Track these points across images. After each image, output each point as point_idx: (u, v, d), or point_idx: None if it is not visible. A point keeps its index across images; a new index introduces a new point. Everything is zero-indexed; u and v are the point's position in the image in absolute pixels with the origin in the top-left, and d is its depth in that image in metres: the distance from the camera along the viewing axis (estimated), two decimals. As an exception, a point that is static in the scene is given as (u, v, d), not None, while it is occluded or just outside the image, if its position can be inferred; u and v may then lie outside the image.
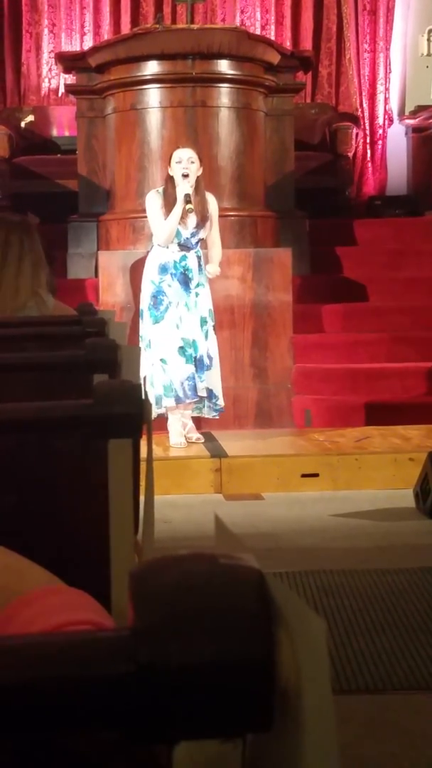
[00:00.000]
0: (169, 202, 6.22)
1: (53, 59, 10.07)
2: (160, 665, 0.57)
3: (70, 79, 8.37)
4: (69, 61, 7.88)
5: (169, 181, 6.26)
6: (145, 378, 2.01)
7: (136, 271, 6.73)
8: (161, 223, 6.26)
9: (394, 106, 10.56)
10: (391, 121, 10.53)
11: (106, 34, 10.22)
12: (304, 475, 5.85)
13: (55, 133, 10.13)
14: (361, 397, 6.87)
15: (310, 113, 10.10)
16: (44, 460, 1.69)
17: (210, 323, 6.35)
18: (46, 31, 10.48)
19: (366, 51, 10.49)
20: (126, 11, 10.42)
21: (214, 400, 6.35)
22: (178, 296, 6.25)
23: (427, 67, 10.33)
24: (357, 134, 10.09)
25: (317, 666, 0.56)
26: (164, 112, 7.22)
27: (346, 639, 3.61)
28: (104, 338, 2.40)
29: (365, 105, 10.47)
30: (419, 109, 10.19)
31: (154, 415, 5.90)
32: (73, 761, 0.68)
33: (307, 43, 10.39)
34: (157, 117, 7.23)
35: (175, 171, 6.19)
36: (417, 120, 10.20)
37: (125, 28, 10.04)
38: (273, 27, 10.49)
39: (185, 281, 6.28)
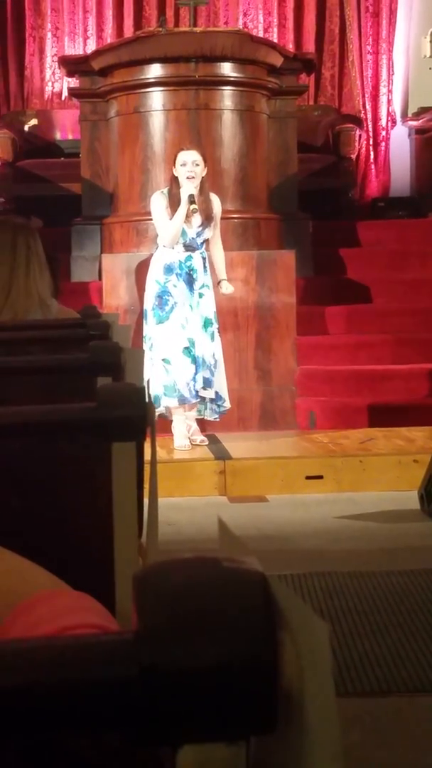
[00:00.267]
0: (174, 203, 6.23)
1: (56, 63, 10.08)
2: (164, 668, 0.57)
3: (73, 82, 8.38)
4: (72, 65, 7.89)
5: (174, 181, 6.27)
6: (148, 381, 2.01)
7: (139, 273, 6.73)
8: (166, 224, 6.26)
9: (397, 107, 10.56)
10: (394, 122, 10.53)
11: (109, 37, 10.23)
12: (308, 477, 5.85)
13: (58, 136, 10.14)
14: (365, 399, 6.87)
15: (313, 115, 10.10)
16: (48, 463, 1.69)
17: (215, 325, 6.35)
18: (49, 34, 10.49)
19: (369, 53, 10.49)
20: (129, 14, 10.43)
21: (219, 402, 6.35)
22: (183, 297, 6.26)
23: (430, 68, 10.32)
24: (360, 136, 10.08)
25: (320, 668, 0.56)
26: (167, 115, 7.22)
27: (350, 641, 3.61)
28: (108, 341, 2.40)
29: (368, 107, 10.47)
30: (422, 111, 10.19)
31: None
32: (76, 764, 0.68)
33: (309, 46, 10.39)
34: (160, 120, 7.23)
35: (180, 173, 6.20)
36: (420, 121, 10.20)
37: (128, 31, 10.05)
38: (276, 29, 10.49)
39: (190, 281, 6.28)
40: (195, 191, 6.18)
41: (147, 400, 1.57)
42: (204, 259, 6.36)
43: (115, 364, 2.04)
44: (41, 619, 0.80)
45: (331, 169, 9.49)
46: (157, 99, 7.24)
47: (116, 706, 0.58)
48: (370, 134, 10.46)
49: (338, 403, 6.90)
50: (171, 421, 6.33)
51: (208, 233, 6.35)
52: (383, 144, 10.50)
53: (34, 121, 10.18)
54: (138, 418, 1.53)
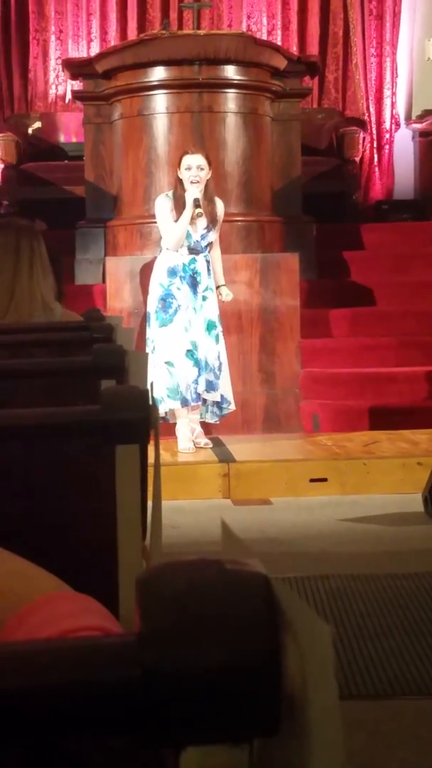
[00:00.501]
0: (178, 206, 6.23)
1: (60, 66, 10.08)
2: (167, 670, 0.57)
3: (77, 85, 8.39)
4: (76, 68, 7.89)
5: (179, 184, 6.27)
6: (152, 383, 2.01)
7: (143, 276, 6.73)
8: (171, 227, 6.26)
9: (401, 110, 10.57)
10: (398, 125, 10.54)
11: (113, 40, 10.24)
12: (312, 480, 5.85)
13: (62, 139, 10.15)
14: (369, 402, 6.87)
15: (317, 118, 10.11)
16: (52, 466, 1.69)
17: (219, 327, 6.35)
18: (53, 37, 10.51)
19: (372, 55, 10.50)
20: (132, 17, 10.44)
21: (225, 405, 6.35)
22: (187, 300, 6.26)
23: (434, 71, 10.34)
24: (364, 139, 10.09)
25: (323, 671, 0.56)
26: (171, 118, 7.22)
27: (354, 644, 3.61)
28: (111, 344, 2.40)
29: (372, 109, 10.47)
30: (426, 114, 10.20)
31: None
32: (79, 766, 0.68)
33: (313, 48, 10.40)
34: (164, 123, 7.23)
35: (185, 177, 6.20)
36: (424, 124, 10.21)
37: (132, 34, 10.06)
38: (279, 32, 10.50)
39: (194, 284, 6.28)
40: (200, 195, 6.18)
41: (151, 402, 1.57)
42: (208, 262, 6.36)
43: (118, 367, 2.04)
44: (44, 621, 0.80)
45: (334, 171, 9.49)
46: (160, 102, 7.24)
47: (119, 708, 0.58)
48: (374, 137, 10.47)
49: (342, 406, 6.90)
50: (175, 424, 6.33)
51: (212, 236, 6.35)
52: (387, 147, 10.51)
53: (37, 124, 10.20)
54: (142, 421, 1.53)
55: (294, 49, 9.93)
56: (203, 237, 6.31)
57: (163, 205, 6.36)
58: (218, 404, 6.36)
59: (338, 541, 4.99)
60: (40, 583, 0.94)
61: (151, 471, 1.79)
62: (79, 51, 10.37)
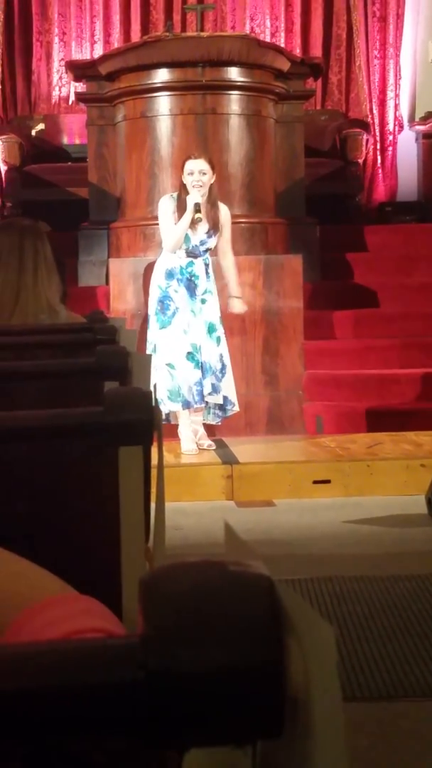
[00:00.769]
0: (181, 208, 6.24)
1: (63, 67, 10.09)
2: (170, 672, 0.57)
3: (80, 87, 8.39)
4: (79, 70, 7.90)
5: (183, 187, 6.28)
6: (155, 385, 2.01)
7: (146, 278, 6.73)
8: (170, 229, 6.27)
9: (404, 112, 10.56)
10: (401, 127, 10.53)
11: (116, 42, 10.24)
12: (315, 482, 5.85)
13: (65, 141, 10.16)
14: (373, 403, 6.87)
15: (320, 120, 10.12)
16: (55, 467, 1.69)
17: (220, 329, 6.34)
18: (56, 39, 10.51)
19: (376, 57, 10.50)
20: (136, 19, 10.44)
21: (229, 407, 6.35)
22: (184, 302, 6.26)
23: (437, 73, 10.34)
24: (367, 140, 10.09)
25: (326, 673, 0.56)
26: (174, 120, 7.23)
27: (357, 645, 3.61)
28: (115, 345, 2.40)
29: (375, 111, 10.47)
30: (429, 115, 10.19)
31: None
32: (82, 767, 0.68)
33: (317, 50, 10.40)
34: (167, 124, 7.24)
35: (187, 182, 6.21)
36: (427, 126, 10.20)
37: (135, 36, 10.06)
38: (283, 34, 10.50)
39: (191, 288, 6.28)
40: (201, 200, 6.18)
41: (154, 404, 1.57)
42: (207, 265, 6.36)
43: (122, 369, 2.04)
44: (48, 623, 0.80)
45: (338, 173, 9.49)
46: (164, 103, 7.24)
47: (123, 709, 0.58)
48: (377, 139, 10.46)
49: (345, 408, 6.89)
50: (177, 425, 6.33)
51: (212, 242, 6.35)
52: (390, 148, 10.50)
53: (41, 126, 10.20)
54: (145, 423, 1.53)
55: (297, 51, 9.94)
56: (203, 242, 6.31)
57: (165, 206, 6.37)
58: (221, 406, 6.36)
59: (341, 543, 4.99)
60: (43, 584, 0.94)
61: (154, 473, 1.79)
62: (83, 53, 10.38)
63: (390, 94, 10.50)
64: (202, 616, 0.58)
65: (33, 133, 10.11)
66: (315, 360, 7.13)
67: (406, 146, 10.48)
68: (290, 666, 0.58)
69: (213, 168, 6.27)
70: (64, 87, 10.50)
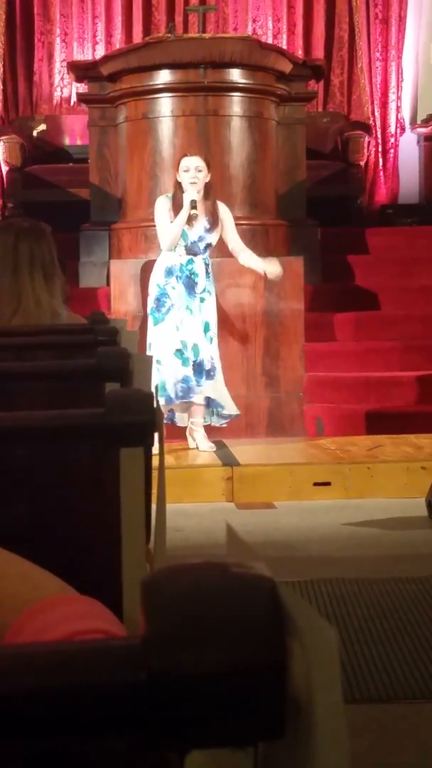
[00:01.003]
0: (177, 208, 6.25)
1: (65, 68, 10.10)
2: (172, 674, 0.57)
3: (82, 88, 8.39)
4: (81, 70, 7.90)
5: (178, 187, 6.29)
6: (157, 386, 2.01)
7: (147, 279, 6.73)
8: (166, 227, 6.28)
9: (406, 114, 10.56)
10: (403, 129, 10.53)
11: (118, 43, 10.24)
12: (316, 484, 5.85)
13: (67, 142, 10.16)
14: (373, 406, 6.87)
15: (322, 122, 10.11)
16: (56, 469, 1.69)
17: (214, 331, 6.34)
18: (58, 40, 10.52)
19: (378, 59, 10.50)
20: (138, 20, 10.44)
21: (218, 409, 6.34)
22: (181, 299, 6.27)
23: (439, 75, 10.35)
24: (369, 143, 10.09)
25: (329, 675, 0.56)
26: (176, 121, 7.23)
27: (358, 648, 3.60)
28: (116, 347, 2.40)
29: (377, 113, 10.47)
30: (431, 118, 10.19)
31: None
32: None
33: (318, 52, 10.40)
34: (169, 126, 7.24)
35: (183, 179, 6.22)
36: (429, 128, 10.20)
37: (137, 37, 10.07)
38: (285, 36, 10.51)
39: (190, 285, 6.29)
40: (198, 196, 6.19)
41: (155, 405, 1.57)
42: (206, 264, 6.36)
43: (123, 370, 2.04)
44: (49, 624, 0.80)
45: (339, 175, 9.49)
46: (165, 105, 7.25)
47: (124, 711, 0.58)
48: (379, 141, 10.46)
49: (346, 410, 6.90)
50: (180, 428, 6.35)
51: (210, 238, 6.35)
52: (392, 151, 10.50)
53: (42, 127, 10.21)
54: (146, 424, 1.53)
55: (299, 53, 9.94)
56: (201, 238, 6.32)
57: (161, 205, 6.39)
58: (219, 412, 6.37)
59: (342, 545, 4.99)
60: (45, 585, 0.94)
61: (155, 474, 1.79)
62: (85, 54, 10.38)
63: (392, 96, 10.50)
64: (204, 617, 0.58)
65: (34, 133, 10.11)
66: (316, 362, 7.14)
67: (408, 148, 10.48)
68: (292, 668, 0.58)
69: (209, 166, 6.28)
70: (65, 88, 10.50)
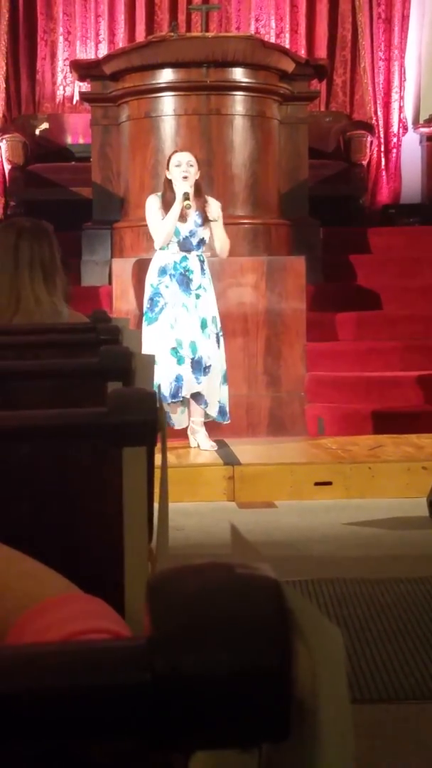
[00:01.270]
0: (167, 205, 6.24)
1: (68, 67, 10.10)
2: (176, 674, 0.57)
3: (84, 86, 8.39)
4: (84, 69, 7.90)
5: (167, 184, 6.29)
6: (159, 386, 2.01)
7: (142, 277, 6.72)
8: (159, 223, 6.27)
9: (408, 114, 10.56)
10: (405, 129, 10.53)
11: (121, 42, 10.24)
12: (317, 484, 5.85)
13: (69, 140, 10.16)
14: (375, 406, 6.87)
15: (325, 121, 10.11)
16: (58, 468, 1.69)
17: (213, 327, 6.30)
18: (61, 38, 10.51)
19: (381, 59, 10.49)
20: (141, 19, 10.44)
21: (203, 407, 6.31)
22: (175, 297, 6.25)
23: (442, 75, 10.34)
24: (371, 142, 10.08)
25: (334, 676, 0.56)
26: (178, 120, 7.23)
27: (359, 648, 3.60)
28: (118, 346, 2.40)
29: (380, 113, 10.46)
30: (433, 118, 10.20)
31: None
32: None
33: (321, 52, 10.40)
34: (172, 125, 7.24)
35: (174, 174, 6.21)
36: (431, 128, 10.20)
37: (140, 36, 10.06)
38: (288, 35, 10.50)
39: (185, 282, 6.27)
40: (190, 189, 6.19)
41: (158, 405, 1.56)
42: (201, 261, 6.35)
43: (125, 369, 2.04)
44: (53, 623, 0.80)
45: (342, 175, 9.49)
46: (168, 104, 7.24)
47: (129, 712, 0.57)
48: (382, 141, 10.46)
49: (347, 410, 6.89)
50: (182, 429, 6.34)
51: (202, 233, 6.33)
52: (394, 151, 10.50)
53: (45, 125, 10.20)
54: (149, 423, 1.53)
55: (302, 52, 9.93)
56: (192, 233, 6.30)
57: (152, 203, 6.39)
58: (196, 401, 6.34)
59: (343, 545, 4.98)
60: (50, 584, 0.94)
61: (157, 473, 1.79)
62: (87, 52, 10.38)
63: (395, 96, 10.49)
64: (208, 618, 0.58)
65: (37, 132, 10.11)
66: (317, 361, 7.13)
67: (411, 148, 10.48)
68: (297, 669, 0.58)
69: (199, 163, 6.27)
70: (68, 86, 10.50)
